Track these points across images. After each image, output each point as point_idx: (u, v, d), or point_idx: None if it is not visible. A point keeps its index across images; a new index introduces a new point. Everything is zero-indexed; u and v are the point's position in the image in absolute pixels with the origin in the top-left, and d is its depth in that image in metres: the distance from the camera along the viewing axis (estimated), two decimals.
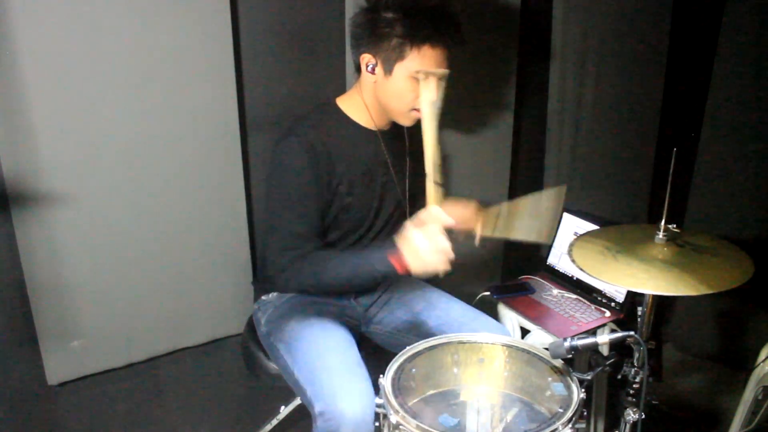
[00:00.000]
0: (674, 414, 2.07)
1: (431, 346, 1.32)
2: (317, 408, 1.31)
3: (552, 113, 2.30)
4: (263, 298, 1.63)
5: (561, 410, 1.14)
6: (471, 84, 1.97)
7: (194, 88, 1.59)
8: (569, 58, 2.22)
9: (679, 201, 2.26)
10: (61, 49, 1.42)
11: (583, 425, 1.16)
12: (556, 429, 1.10)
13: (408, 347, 1.30)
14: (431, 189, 1.40)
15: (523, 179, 2.35)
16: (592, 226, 1.87)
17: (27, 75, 1.39)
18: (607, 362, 1.27)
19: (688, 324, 2.40)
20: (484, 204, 1.62)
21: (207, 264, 1.74)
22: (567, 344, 1.18)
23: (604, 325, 1.77)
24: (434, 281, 1.75)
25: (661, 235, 1.24)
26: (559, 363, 1.26)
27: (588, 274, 1.19)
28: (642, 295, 1.25)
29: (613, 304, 1.83)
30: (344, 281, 1.43)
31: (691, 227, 2.27)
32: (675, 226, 1.26)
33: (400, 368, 1.24)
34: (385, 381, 1.20)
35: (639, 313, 1.29)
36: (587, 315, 1.80)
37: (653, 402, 1.27)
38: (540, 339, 1.72)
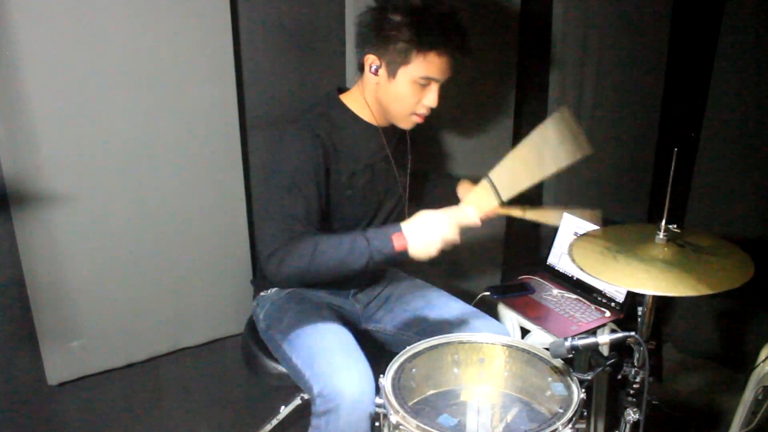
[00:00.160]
0: (674, 414, 2.07)
1: (431, 346, 1.32)
2: (316, 389, 1.31)
3: (552, 113, 2.30)
4: (262, 294, 1.63)
5: (561, 410, 1.14)
6: (471, 84, 1.97)
7: (194, 88, 1.59)
8: (569, 58, 2.22)
9: (679, 201, 2.27)
10: (61, 48, 1.42)
11: (583, 425, 1.16)
12: (556, 429, 1.10)
13: (408, 347, 1.30)
14: (483, 190, 1.43)
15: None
16: (592, 226, 1.86)
17: (27, 75, 1.39)
18: (608, 362, 1.26)
19: (688, 324, 2.40)
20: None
21: (207, 264, 1.74)
22: (567, 344, 1.18)
23: (604, 325, 1.77)
24: (434, 281, 1.76)
25: (661, 235, 1.24)
26: (559, 363, 1.26)
27: (588, 274, 1.19)
28: (642, 295, 1.25)
29: (613, 304, 1.83)
30: (337, 261, 1.36)
31: (691, 227, 2.27)
32: (675, 226, 1.26)
33: (401, 368, 1.24)
34: (386, 381, 1.20)
35: (639, 313, 1.29)
36: (587, 315, 1.80)
37: (653, 402, 1.27)
38: (540, 339, 1.72)
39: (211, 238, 1.72)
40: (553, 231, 2.04)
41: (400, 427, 1.12)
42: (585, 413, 1.17)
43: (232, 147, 1.69)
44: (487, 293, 1.90)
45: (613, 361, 1.27)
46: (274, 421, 1.75)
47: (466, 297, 1.71)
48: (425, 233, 1.33)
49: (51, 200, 1.48)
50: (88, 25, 1.43)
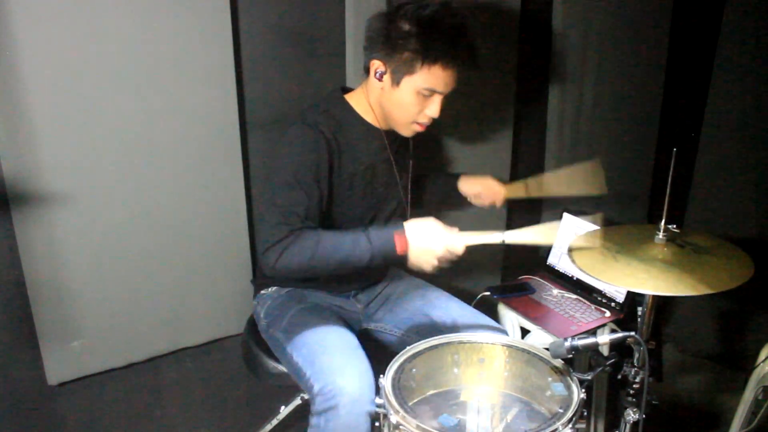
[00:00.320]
0: (674, 414, 2.07)
1: (431, 346, 1.32)
2: (316, 387, 1.31)
3: (552, 113, 2.30)
4: (262, 292, 1.63)
5: (561, 410, 1.14)
6: (471, 83, 1.97)
7: (194, 88, 1.59)
8: (569, 58, 2.22)
9: (679, 201, 2.27)
10: (61, 48, 1.42)
11: (583, 425, 1.16)
12: (556, 429, 1.10)
13: (408, 347, 1.30)
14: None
15: (524, 180, 2.34)
16: (593, 226, 1.87)
17: (27, 75, 1.39)
18: (608, 362, 1.26)
19: (688, 324, 2.40)
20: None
21: (207, 264, 1.74)
22: (567, 344, 1.18)
23: (604, 325, 1.77)
24: (434, 281, 1.76)
25: (661, 235, 1.24)
26: (559, 363, 1.26)
27: (588, 274, 1.19)
28: (642, 295, 1.25)
29: (613, 304, 1.83)
30: (338, 258, 1.36)
31: (691, 227, 2.27)
32: (675, 226, 1.26)
33: (401, 368, 1.24)
34: (386, 381, 1.20)
35: (639, 313, 1.29)
36: (587, 315, 1.80)
37: (653, 402, 1.27)
38: (540, 339, 1.72)
39: (211, 238, 1.72)
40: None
41: (400, 427, 1.12)
42: (585, 413, 1.17)
43: (232, 147, 1.69)
44: (488, 293, 1.90)
45: (613, 361, 1.27)
46: (274, 421, 1.75)
47: (467, 297, 1.71)
48: (426, 237, 1.34)
49: (51, 200, 1.48)
50: (88, 25, 1.43)
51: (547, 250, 2.08)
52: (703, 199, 2.26)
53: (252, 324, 1.67)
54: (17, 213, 1.47)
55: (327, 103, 1.51)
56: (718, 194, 2.23)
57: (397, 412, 1.13)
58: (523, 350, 1.33)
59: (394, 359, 1.26)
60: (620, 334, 1.19)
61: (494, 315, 1.82)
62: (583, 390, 1.18)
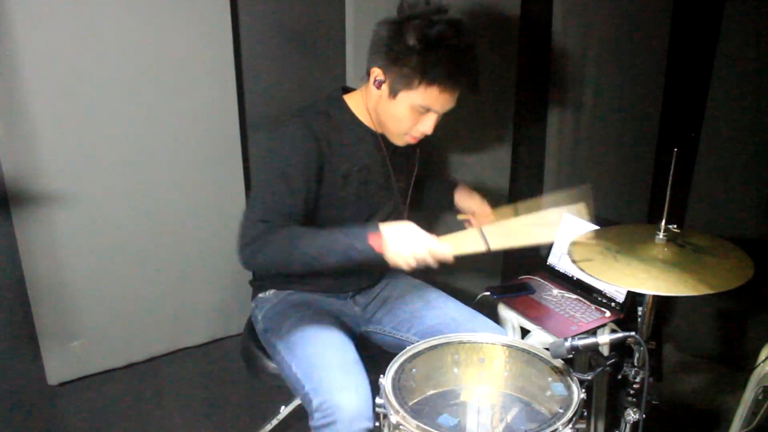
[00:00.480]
0: (674, 414, 2.07)
1: (432, 346, 1.32)
2: (315, 402, 1.31)
3: (552, 114, 2.31)
4: (260, 295, 1.63)
5: (561, 410, 1.14)
6: None
7: (194, 88, 1.59)
8: (569, 58, 2.22)
9: (679, 201, 2.27)
10: (61, 48, 1.42)
11: (584, 425, 1.16)
12: (556, 429, 1.10)
13: (408, 347, 1.30)
14: (469, 234, 1.41)
15: (524, 180, 2.35)
16: (593, 226, 1.86)
17: (27, 75, 1.39)
18: (608, 362, 1.27)
19: (688, 324, 2.40)
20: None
21: (207, 264, 1.74)
22: (567, 344, 1.18)
23: (604, 325, 1.77)
24: (433, 281, 1.75)
25: (661, 235, 1.24)
26: (559, 363, 1.26)
27: (588, 274, 1.19)
28: (642, 295, 1.25)
29: (613, 304, 1.83)
30: (316, 255, 1.34)
31: (691, 227, 2.27)
32: (675, 226, 1.26)
33: (401, 368, 1.24)
34: (385, 381, 1.20)
35: (639, 313, 1.29)
36: (587, 315, 1.80)
37: (653, 402, 1.27)
38: (540, 339, 1.72)
39: (210, 238, 1.72)
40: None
41: (400, 427, 1.12)
42: (585, 413, 1.16)
43: (232, 147, 1.69)
44: (487, 293, 1.90)
45: (613, 361, 1.27)
46: (274, 421, 1.75)
47: (467, 297, 1.71)
48: (401, 240, 1.32)
49: (51, 200, 1.48)
50: (88, 25, 1.43)
51: (547, 250, 2.08)
52: (703, 199, 2.26)
53: (251, 325, 1.66)
54: (17, 213, 1.47)
55: (325, 102, 1.51)
56: (718, 194, 2.23)
57: (397, 412, 1.13)
58: (523, 350, 1.33)
59: (394, 359, 1.26)
60: (620, 334, 1.19)
61: (494, 315, 1.82)
62: (584, 390, 1.18)
